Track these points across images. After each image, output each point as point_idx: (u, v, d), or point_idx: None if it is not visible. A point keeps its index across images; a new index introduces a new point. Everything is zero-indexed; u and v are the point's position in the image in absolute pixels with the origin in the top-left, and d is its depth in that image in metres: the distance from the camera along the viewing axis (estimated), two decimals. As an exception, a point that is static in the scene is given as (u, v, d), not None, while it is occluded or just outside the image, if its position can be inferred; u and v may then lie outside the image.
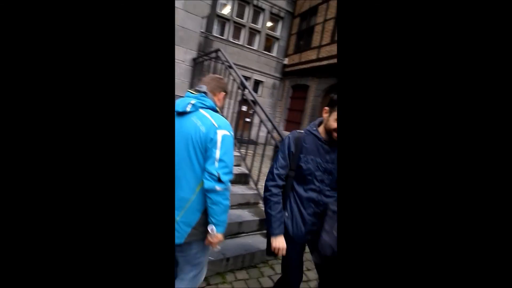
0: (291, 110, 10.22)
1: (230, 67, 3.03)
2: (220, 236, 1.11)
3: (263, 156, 2.54)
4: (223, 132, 1.07)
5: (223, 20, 9.35)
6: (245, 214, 2.29)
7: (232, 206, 2.30)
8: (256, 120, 10.26)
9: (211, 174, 1.03)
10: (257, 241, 2.14)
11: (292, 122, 9.97)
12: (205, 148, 1.07)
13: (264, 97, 10.48)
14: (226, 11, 9.34)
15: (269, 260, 2.10)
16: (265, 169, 2.58)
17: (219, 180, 1.03)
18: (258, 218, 2.27)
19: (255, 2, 9.61)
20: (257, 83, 10.39)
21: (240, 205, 2.41)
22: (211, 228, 1.09)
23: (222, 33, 9.42)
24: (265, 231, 2.26)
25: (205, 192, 1.06)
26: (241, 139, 2.80)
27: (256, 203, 2.51)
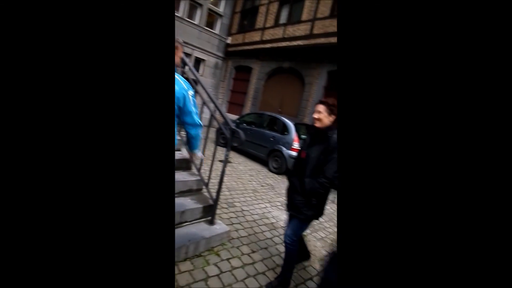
0: (234, 92, 10.07)
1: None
2: (199, 153, 1.75)
3: (206, 139, 2.40)
4: (191, 92, 1.42)
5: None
6: (188, 202, 2.15)
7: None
8: (198, 100, 9.77)
9: (195, 124, 1.48)
10: (201, 228, 2.05)
11: (235, 104, 9.87)
12: (180, 104, 1.37)
13: (206, 77, 10.00)
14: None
15: (215, 247, 2.04)
16: (209, 153, 2.42)
17: (199, 125, 1.51)
18: (201, 205, 2.17)
19: (196, -29, 8.79)
20: (198, 61, 9.80)
21: (182, 193, 2.25)
22: (196, 151, 1.70)
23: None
24: (209, 218, 2.18)
25: (192, 136, 1.56)
26: None
27: (199, 190, 2.39)
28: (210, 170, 2.29)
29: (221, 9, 9.93)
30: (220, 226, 2.17)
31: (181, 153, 2.54)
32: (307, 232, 2.79)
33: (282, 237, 2.54)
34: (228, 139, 2.08)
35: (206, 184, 2.30)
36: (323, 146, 1.51)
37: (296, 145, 5.02)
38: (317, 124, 1.57)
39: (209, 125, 2.42)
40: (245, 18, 9.62)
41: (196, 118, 1.46)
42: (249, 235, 2.41)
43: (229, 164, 5.07)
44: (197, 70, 9.83)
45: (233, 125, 2.08)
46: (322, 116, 1.55)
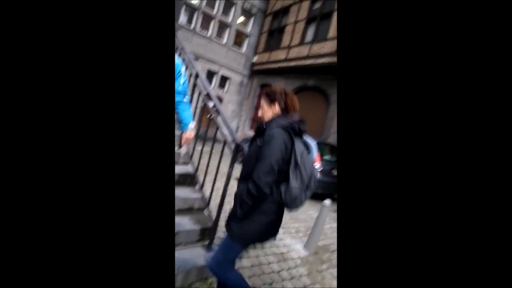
0: (258, 109, 10.01)
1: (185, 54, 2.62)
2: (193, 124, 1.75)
3: (222, 154, 2.12)
4: (183, 68, 1.68)
5: (192, 9, 8.79)
6: (185, 222, 1.93)
7: (170, 212, 1.94)
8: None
9: (185, 93, 1.70)
10: (196, 254, 1.80)
11: (259, 121, 9.76)
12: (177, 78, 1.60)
13: (230, 94, 10.12)
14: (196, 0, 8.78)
15: (209, 278, 1.77)
16: (224, 170, 2.12)
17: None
18: (199, 227, 1.93)
19: (226, -6, 9.21)
20: (224, 79, 10.00)
21: (181, 211, 2.04)
22: (191, 127, 1.71)
23: (189, 23, 8.85)
24: (207, 242, 1.93)
25: (183, 107, 1.69)
26: (204, 137, 2.35)
27: (201, 209, 2.17)
28: (213, 187, 2.07)
29: (249, 29, 10.20)
30: (218, 253, 1.91)
31: (186, 167, 2.37)
32: (323, 267, 2.40)
33: (292, 271, 2.19)
34: (232, 155, 1.87)
35: (207, 203, 2.08)
36: (259, 142, 1.15)
37: (317, 165, 4.68)
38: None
39: (215, 140, 2.24)
40: (272, 37, 9.73)
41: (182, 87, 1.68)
42: (252, 266, 2.10)
43: (245, 182, 4.82)
44: (223, 87, 10.00)
45: (238, 139, 1.88)
46: (264, 110, 1.25)
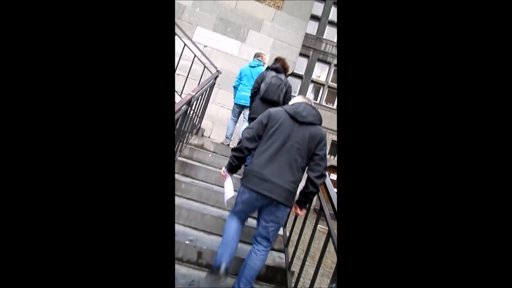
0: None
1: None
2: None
3: (329, 236, 1.28)
4: None
5: (318, 85, 9.26)
6: None
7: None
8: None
9: None
10: None
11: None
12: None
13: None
14: (322, 78, 9.28)
15: None
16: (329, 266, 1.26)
17: None
18: None
19: (354, 68, 9.23)
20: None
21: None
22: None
23: (316, 98, 9.24)
24: None
25: None
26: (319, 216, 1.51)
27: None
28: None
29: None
30: None
31: (278, 258, 1.73)
32: None
33: None
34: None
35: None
36: None
37: None
38: None
39: (318, 218, 1.53)
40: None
41: None
42: None
43: None
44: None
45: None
46: None
